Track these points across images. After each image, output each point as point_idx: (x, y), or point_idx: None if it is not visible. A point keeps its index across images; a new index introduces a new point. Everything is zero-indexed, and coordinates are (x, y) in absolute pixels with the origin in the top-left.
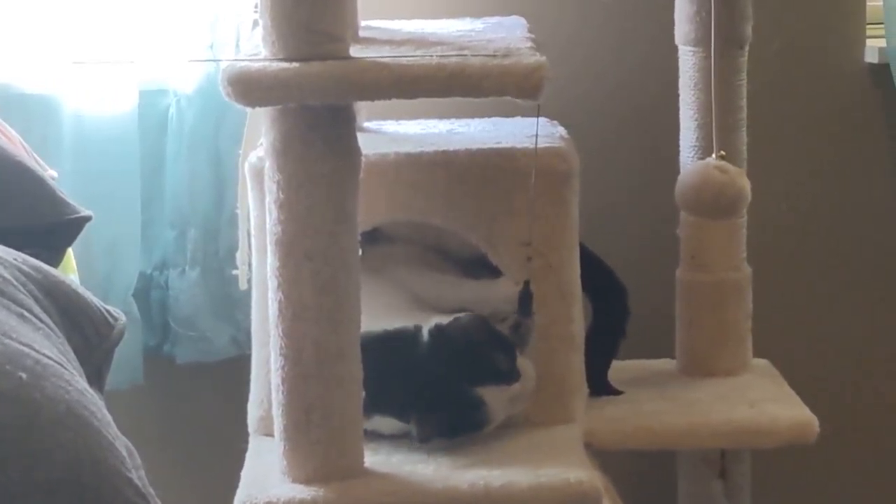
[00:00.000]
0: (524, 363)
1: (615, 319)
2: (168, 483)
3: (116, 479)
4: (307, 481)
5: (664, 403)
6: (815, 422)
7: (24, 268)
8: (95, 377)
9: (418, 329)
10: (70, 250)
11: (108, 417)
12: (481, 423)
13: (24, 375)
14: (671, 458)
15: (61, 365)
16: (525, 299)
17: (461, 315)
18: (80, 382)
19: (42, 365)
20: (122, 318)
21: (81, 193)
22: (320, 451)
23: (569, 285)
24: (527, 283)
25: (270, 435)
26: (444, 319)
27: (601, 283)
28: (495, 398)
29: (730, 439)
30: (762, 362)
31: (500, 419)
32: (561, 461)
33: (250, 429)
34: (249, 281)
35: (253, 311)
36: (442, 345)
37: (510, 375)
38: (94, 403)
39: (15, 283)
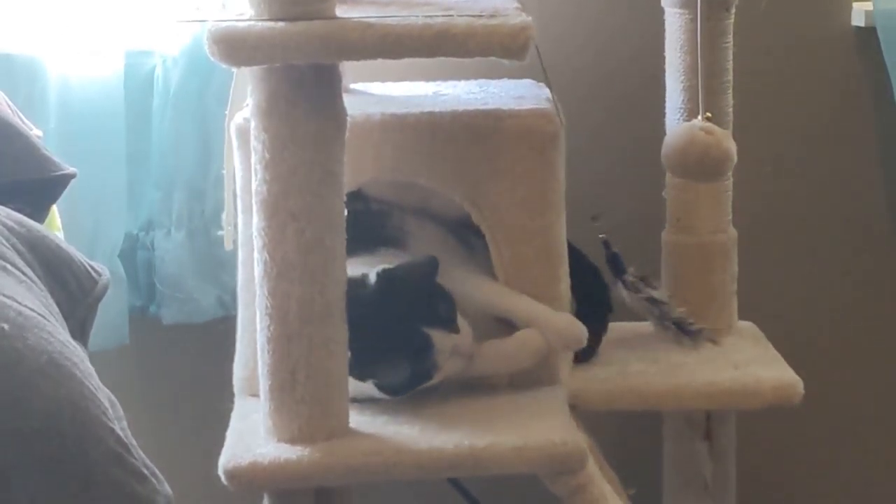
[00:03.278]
0: (462, 322)
1: (598, 315)
2: (154, 444)
3: (98, 428)
4: (292, 441)
5: (649, 365)
6: (799, 384)
7: (8, 222)
8: (79, 331)
9: (365, 276)
10: (55, 208)
11: (91, 369)
12: (429, 368)
13: (6, 326)
14: (656, 419)
15: (44, 317)
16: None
17: (407, 261)
18: (63, 334)
19: (25, 316)
20: (106, 273)
21: (67, 154)
22: (305, 410)
23: (555, 246)
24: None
25: (256, 395)
26: (392, 264)
27: (584, 279)
28: (441, 342)
29: (714, 401)
30: (747, 325)
31: (445, 371)
32: (546, 423)
33: (236, 389)
34: (235, 241)
35: (239, 271)
36: (388, 286)
37: (451, 324)
38: (77, 355)
39: None
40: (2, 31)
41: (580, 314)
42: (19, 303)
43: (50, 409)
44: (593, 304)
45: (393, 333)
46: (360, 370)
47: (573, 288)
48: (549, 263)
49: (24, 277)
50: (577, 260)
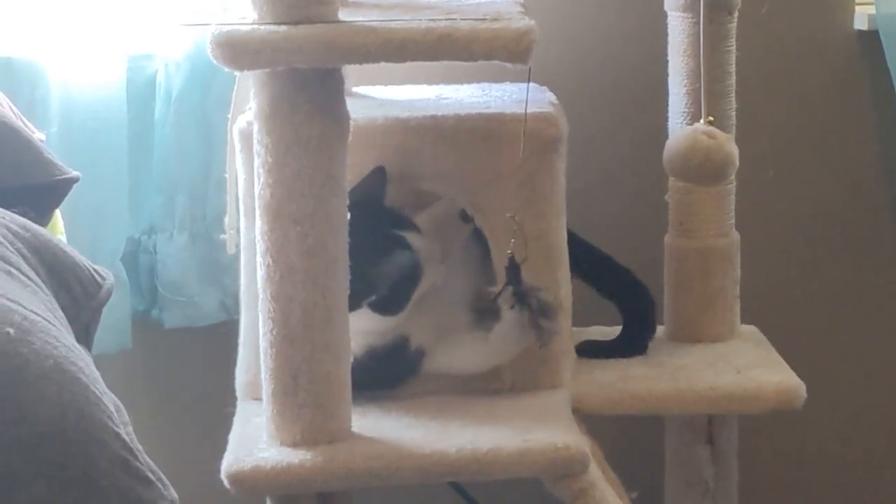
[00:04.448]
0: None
1: (643, 333)
2: (156, 447)
3: (103, 433)
4: (294, 445)
5: (652, 369)
6: (801, 387)
7: (13, 226)
8: (83, 335)
9: None
10: (58, 212)
11: (96, 373)
12: (416, 268)
13: (11, 331)
14: (659, 423)
15: (49, 322)
16: (512, 271)
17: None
18: (68, 339)
19: (30, 321)
20: (110, 277)
21: (69, 159)
22: (307, 414)
23: (555, 250)
24: (511, 257)
25: (258, 399)
26: None
27: (632, 295)
28: (416, 241)
29: (716, 405)
30: (750, 328)
31: (430, 278)
32: (548, 426)
33: (238, 393)
34: (237, 245)
35: (241, 275)
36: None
37: (416, 228)
38: (82, 359)
39: (3, 241)
40: (3, 36)
41: (628, 322)
42: (24, 307)
43: (55, 413)
44: (638, 309)
45: (369, 246)
46: (351, 296)
47: (618, 302)
48: (549, 266)
49: (28, 282)
50: (635, 290)
